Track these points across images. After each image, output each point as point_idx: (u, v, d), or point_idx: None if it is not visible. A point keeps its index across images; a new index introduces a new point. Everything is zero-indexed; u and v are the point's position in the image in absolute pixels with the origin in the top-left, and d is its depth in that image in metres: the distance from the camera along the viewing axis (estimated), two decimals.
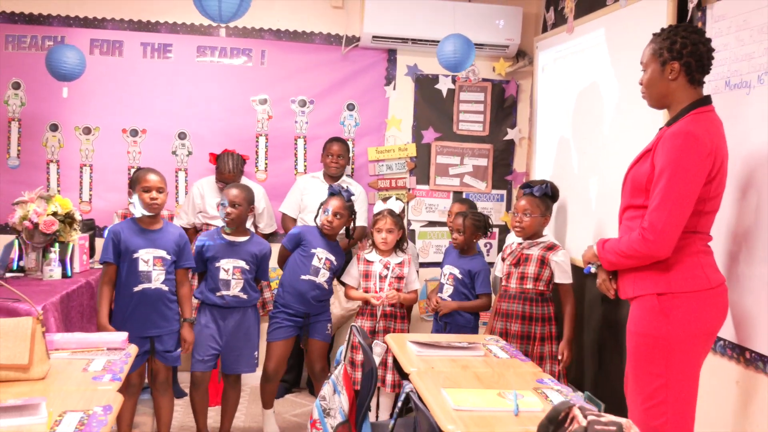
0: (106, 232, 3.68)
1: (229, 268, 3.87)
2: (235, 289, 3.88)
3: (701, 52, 2.56)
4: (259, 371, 4.23)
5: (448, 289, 4.16)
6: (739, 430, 2.87)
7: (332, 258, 4.13)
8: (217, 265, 3.87)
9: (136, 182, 3.65)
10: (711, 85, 3.05)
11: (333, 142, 4.92)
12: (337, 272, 4.24)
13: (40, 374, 2.45)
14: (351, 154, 5.21)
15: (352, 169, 5.24)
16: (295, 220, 4.90)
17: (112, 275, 3.63)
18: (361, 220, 4.94)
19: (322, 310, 4.18)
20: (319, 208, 4.18)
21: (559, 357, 3.67)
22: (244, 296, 3.91)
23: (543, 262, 3.68)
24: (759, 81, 2.80)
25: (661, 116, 3.24)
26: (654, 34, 2.69)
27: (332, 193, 4.16)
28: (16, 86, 4.95)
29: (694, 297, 2.54)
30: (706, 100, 2.63)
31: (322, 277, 4.10)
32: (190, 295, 3.89)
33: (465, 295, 4.14)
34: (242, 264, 3.88)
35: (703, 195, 2.53)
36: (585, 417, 1.45)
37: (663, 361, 2.55)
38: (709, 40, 2.63)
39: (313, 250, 4.10)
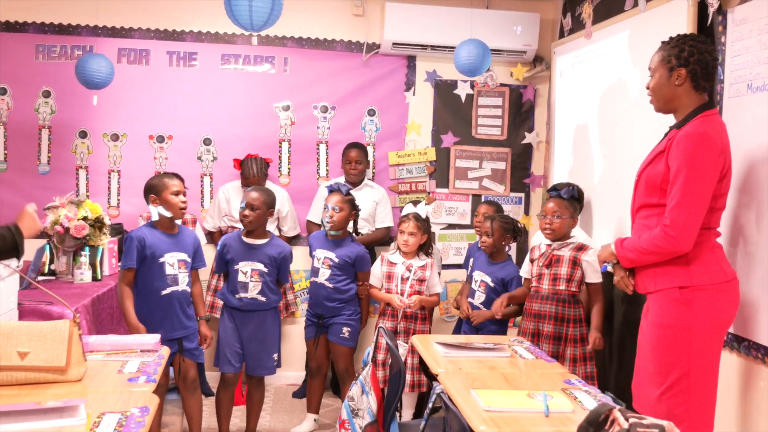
0: (127, 237, 3.65)
1: (247, 270, 3.85)
2: (253, 291, 3.85)
3: (707, 61, 2.67)
4: (280, 373, 4.23)
5: (479, 297, 4.08)
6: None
7: (331, 255, 4.10)
8: (235, 267, 3.86)
9: (161, 187, 3.61)
10: (732, 88, 3.02)
11: (351, 148, 4.91)
12: (350, 267, 4.14)
13: (77, 376, 2.43)
14: (372, 158, 5.20)
15: (373, 173, 5.23)
16: (320, 226, 4.85)
17: (131, 279, 3.60)
18: (386, 222, 4.97)
19: (336, 312, 4.12)
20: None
21: (590, 347, 3.61)
22: (263, 299, 3.88)
23: (575, 263, 3.65)
24: None
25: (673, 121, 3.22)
26: (663, 42, 2.80)
27: (331, 190, 4.16)
28: (47, 94, 4.97)
29: (713, 289, 2.63)
30: (711, 105, 2.76)
31: (323, 277, 4.09)
32: (202, 293, 3.92)
33: None
34: (260, 266, 3.86)
35: (714, 192, 2.62)
36: (626, 419, 1.42)
37: (685, 352, 2.62)
38: (715, 50, 2.77)
39: (313, 253, 4.16)
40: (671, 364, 2.64)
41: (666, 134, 2.80)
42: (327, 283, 4.10)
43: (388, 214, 4.99)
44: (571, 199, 3.76)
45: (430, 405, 2.45)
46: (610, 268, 2.92)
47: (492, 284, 4.06)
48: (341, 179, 4.94)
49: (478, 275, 4.12)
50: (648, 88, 2.81)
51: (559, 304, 3.66)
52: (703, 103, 2.70)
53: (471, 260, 4.33)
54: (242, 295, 3.85)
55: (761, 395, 2.84)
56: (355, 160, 4.84)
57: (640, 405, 2.77)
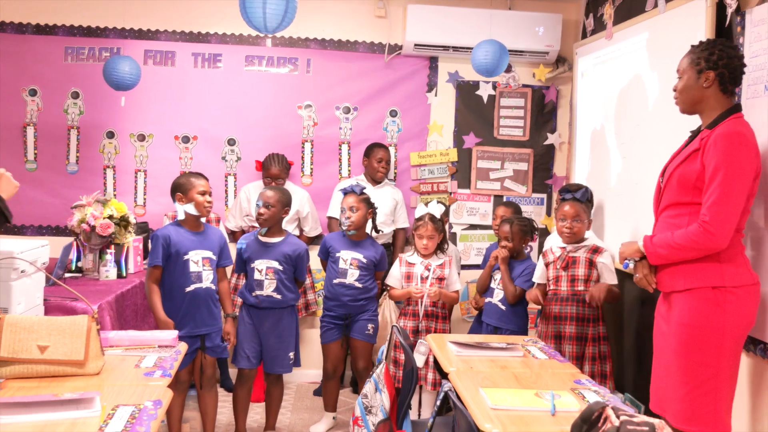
0: (152, 236, 3.72)
1: (262, 268, 3.90)
2: (269, 289, 3.90)
3: (735, 65, 2.72)
4: (301, 371, 4.28)
5: (498, 294, 4.11)
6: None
7: (359, 256, 4.16)
8: (252, 265, 3.91)
9: (188, 186, 3.69)
10: (750, 89, 3.00)
11: (379, 147, 4.97)
12: (375, 267, 4.23)
13: (94, 370, 2.50)
14: (394, 159, 5.24)
15: (395, 173, 5.26)
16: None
17: (158, 277, 3.67)
18: (401, 222, 5.02)
19: (361, 310, 4.19)
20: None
21: (587, 297, 3.63)
22: (278, 296, 3.91)
23: (591, 264, 3.66)
24: None
25: (695, 122, 3.20)
26: (692, 46, 2.82)
27: (345, 192, 4.21)
28: (75, 96, 5.07)
29: (744, 291, 2.66)
30: (739, 108, 2.78)
31: (352, 277, 4.14)
32: (230, 291, 3.97)
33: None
34: (275, 264, 3.90)
35: (748, 191, 2.65)
36: (618, 417, 1.44)
37: (715, 352, 2.63)
38: (743, 56, 2.79)
39: (337, 254, 4.19)
40: (700, 364, 2.64)
41: (695, 135, 2.82)
42: (357, 284, 4.15)
43: (404, 215, 5.06)
44: (587, 201, 3.77)
45: (437, 403, 2.48)
46: (632, 265, 2.91)
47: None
48: (360, 178, 4.99)
49: (498, 274, 4.14)
50: (675, 89, 2.84)
51: (579, 305, 3.67)
52: (731, 106, 2.74)
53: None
54: (258, 292, 3.90)
55: None
56: (386, 160, 4.91)
57: (659, 405, 2.77)
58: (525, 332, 4.11)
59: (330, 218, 5.04)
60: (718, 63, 2.70)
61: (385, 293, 4.49)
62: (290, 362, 4.02)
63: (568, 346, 3.63)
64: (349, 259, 4.16)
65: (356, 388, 4.85)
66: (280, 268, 3.91)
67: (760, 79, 2.93)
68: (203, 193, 3.69)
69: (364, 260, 4.16)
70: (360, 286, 4.16)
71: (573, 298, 3.70)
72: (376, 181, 4.94)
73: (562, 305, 3.73)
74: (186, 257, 3.67)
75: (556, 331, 3.72)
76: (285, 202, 3.96)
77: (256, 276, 3.90)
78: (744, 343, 2.73)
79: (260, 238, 3.97)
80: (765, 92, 2.91)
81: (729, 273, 2.65)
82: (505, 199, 5.24)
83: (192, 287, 3.69)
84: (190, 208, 3.70)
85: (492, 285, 4.18)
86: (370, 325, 4.20)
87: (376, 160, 4.92)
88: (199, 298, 3.71)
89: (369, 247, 4.23)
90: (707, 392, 2.64)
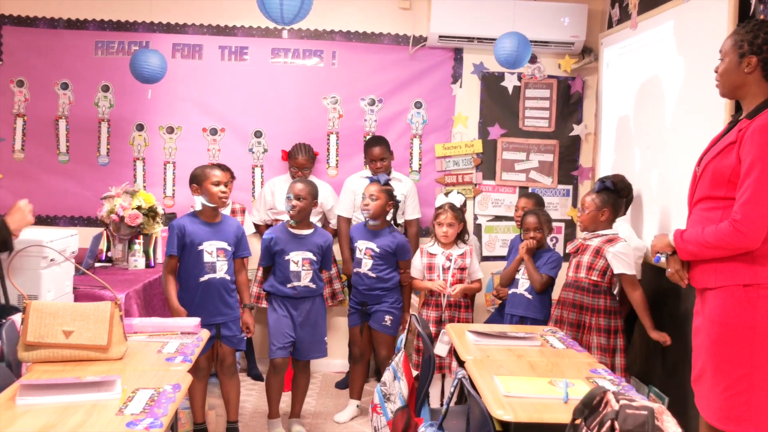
0: (169, 227, 3.77)
1: (298, 259, 3.94)
2: (306, 279, 3.95)
3: None
4: (327, 360, 4.34)
5: (524, 284, 4.10)
6: None
7: (372, 245, 4.19)
8: (286, 258, 3.94)
9: (202, 177, 3.73)
10: None
11: (373, 145, 4.81)
12: (391, 257, 4.22)
13: (117, 354, 2.56)
14: (419, 151, 5.25)
15: (420, 164, 5.27)
16: (349, 221, 4.86)
17: (174, 266, 3.73)
18: (413, 213, 4.98)
19: (377, 300, 4.22)
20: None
21: (665, 344, 3.59)
22: (314, 286, 3.98)
23: (598, 253, 3.63)
24: None
25: (720, 111, 3.17)
26: (738, 26, 2.67)
27: (371, 181, 4.27)
28: (105, 89, 5.16)
29: None
30: None
31: (365, 267, 4.20)
32: (248, 282, 4.01)
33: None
34: (310, 255, 3.96)
35: None
36: (618, 401, 1.45)
37: (747, 351, 2.54)
38: None
39: (354, 244, 4.27)
40: (733, 362, 2.57)
41: (733, 124, 2.69)
42: (370, 273, 4.19)
43: (416, 206, 4.99)
44: (604, 191, 3.72)
45: (451, 390, 2.50)
46: (663, 260, 2.84)
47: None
48: (368, 172, 4.86)
49: (522, 265, 4.14)
50: (716, 71, 2.70)
51: (578, 292, 3.66)
52: None
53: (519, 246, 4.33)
54: (296, 283, 3.93)
55: None
56: (379, 158, 4.76)
57: (701, 402, 2.70)
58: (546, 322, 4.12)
59: (341, 218, 4.94)
60: (762, 47, 2.54)
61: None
62: (325, 347, 4.10)
63: (567, 331, 3.61)
64: (363, 248, 4.22)
65: (379, 377, 4.88)
66: (314, 258, 3.97)
67: None
68: (217, 184, 3.72)
69: (377, 249, 4.18)
70: (373, 275, 4.19)
71: (574, 284, 3.70)
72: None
73: (566, 291, 3.75)
74: (200, 248, 3.72)
75: (559, 315, 3.75)
76: (315, 194, 4.01)
77: (293, 267, 3.94)
78: None
79: (291, 230, 4.00)
80: None
81: (761, 271, 2.55)
82: (530, 191, 5.23)
83: (206, 277, 3.74)
84: (204, 199, 3.75)
85: (517, 276, 4.18)
86: (387, 317, 4.21)
87: (370, 159, 4.83)
88: (212, 288, 3.76)
89: (386, 237, 4.22)
90: (741, 391, 2.55)
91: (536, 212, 4.18)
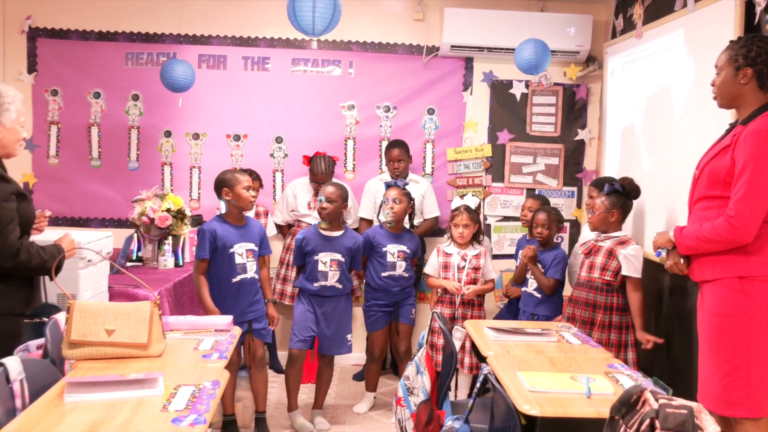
0: (199, 230, 3.71)
1: (326, 260, 3.92)
2: (332, 279, 3.93)
3: None
4: (345, 354, 4.31)
5: (532, 283, 4.08)
6: None
7: (404, 248, 4.17)
8: (315, 258, 3.92)
9: (234, 182, 3.67)
10: None
11: (392, 147, 4.84)
12: (413, 256, 4.24)
13: (157, 352, 2.52)
14: (431, 155, 5.21)
15: (432, 168, 5.24)
16: (371, 222, 4.82)
17: (205, 269, 3.68)
18: (433, 212, 4.95)
19: (406, 296, 4.24)
20: (381, 205, 4.26)
21: (643, 347, 3.55)
22: (339, 286, 3.95)
23: (611, 254, 3.59)
24: None
25: (726, 115, 3.12)
26: (731, 41, 2.73)
27: (388, 186, 4.24)
28: (135, 98, 5.14)
29: None
30: None
31: (400, 269, 4.17)
32: (269, 277, 4.01)
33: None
34: (338, 257, 3.93)
35: None
36: (657, 400, 1.41)
37: (744, 339, 2.58)
38: None
39: (384, 249, 4.18)
40: (730, 351, 2.61)
41: (729, 130, 2.74)
42: (404, 274, 4.20)
43: (434, 205, 4.97)
44: (612, 193, 3.68)
45: (478, 385, 2.46)
46: (664, 254, 2.90)
47: (543, 270, 4.06)
48: (386, 176, 4.87)
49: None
50: (713, 84, 2.77)
51: (591, 291, 3.62)
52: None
53: (520, 252, 4.30)
54: (322, 283, 3.92)
55: None
56: (397, 159, 4.78)
57: (703, 390, 2.72)
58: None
59: (363, 220, 4.93)
60: (756, 60, 2.61)
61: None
62: (348, 344, 4.07)
63: (581, 329, 3.57)
64: (395, 252, 4.17)
65: (396, 371, 4.85)
66: (343, 260, 3.94)
67: None
68: (248, 189, 3.70)
69: (408, 251, 4.19)
70: (407, 275, 4.21)
71: (587, 284, 3.65)
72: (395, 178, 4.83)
73: (579, 290, 3.70)
74: (231, 250, 3.68)
75: (571, 313, 3.71)
76: (345, 197, 3.99)
77: (320, 267, 3.91)
78: None
79: (322, 232, 3.97)
80: None
81: (755, 263, 2.60)
82: (537, 192, 5.18)
83: (238, 278, 3.71)
84: (235, 203, 3.69)
85: (526, 275, 4.14)
86: (413, 310, 4.28)
87: (389, 160, 4.84)
88: (244, 287, 3.73)
89: (409, 238, 4.26)
90: (739, 378, 2.59)
91: (548, 210, 4.20)
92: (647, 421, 1.38)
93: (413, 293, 4.31)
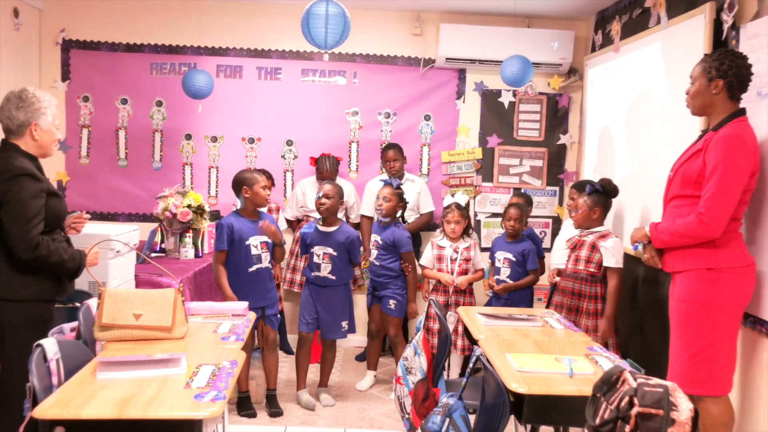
0: (217, 225, 3.69)
1: (320, 253, 3.92)
2: (325, 271, 3.91)
3: (743, 75, 2.64)
4: (349, 337, 4.32)
5: (505, 271, 4.12)
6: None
7: (377, 237, 4.15)
8: (312, 251, 3.94)
9: (252, 181, 3.66)
10: (744, 95, 2.91)
11: (388, 148, 4.83)
12: (392, 247, 4.11)
13: (180, 334, 2.53)
14: (427, 157, 5.20)
15: (428, 168, 5.23)
16: (371, 218, 4.81)
17: (224, 260, 3.66)
18: (428, 207, 4.95)
19: (384, 287, 4.15)
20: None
21: (599, 334, 3.56)
22: (332, 277, 3.92)
23: (594, 248, 3.59)
24: None
25: (694, 122, 3.13)
26: (705, 55, 2.77)
27: (384, 183, 4.20)
28: (159, 104, 5.12)
29: (736, 272, 2.62)
30: (743, 112, 2.70)
31: (373, 256, 4.18)
32: (282, 257, 3.96)
33: (520, 273, 4.13)
34: (330, 250, 3.91)
35: (744, 187, 2.59)
36: (635, 380, 1.41)
37: (710, 324, 2.61)
38: (750, 65, 2.67)
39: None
40: (697, 335, 2.62)
41: (701, 136, 2.76)
42: (375, 262, 4.16)
43: (429, 201, 4.96)
44: (593, 193, 3.68)
45: (470, 365, 2.46)
46: (641, 248, 2.91)
47: (514, 258, 4.12)
48: (384, 176, 4.85)
49: (501, 254, 4.17)
50: (687, 93, 2.77)
51: (576, 281, 3.62)
52: (737, 110, 2.66)
53: (491, 283, 4.30)
54: (317, 273, 3.92)
55: (764, 364, 2.76)
56: (392, 159, 4.76)
57: (671, 371, 2.74)
58: (529, 302, 4.18)
59: (363, 217, 4.93)
60: (727, 72, 2.62)
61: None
62: (343, 330, 4.02)
63: (567, 316, 3.58)
64: (372, 240, 4.20)
65: (392, 352, 4.85)
66: (335, 253, 3.91)
67: (754, 85, 2.84)
68: (264, 188, 3.70)
69: (381, 241, 4.12)
70: (377, 263, 4.15)
71: (573, 275, 3.66)
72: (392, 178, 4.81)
73: (566, 281, 3.71)
74: (247, 243, 3.67)
75: (559, 301, 3.72)
76: (341, 194, 3.98)
77: (315, 260, 3.92)
78: (741, 318, 2.68)
79: (319, 227, 3.97)
80: (758, 97, 2.83)
81: (723, 256, 2.61)
82: (523, 191, 5.19)
83: (254, 267, 3.70)
84: (253, 200, 3.68)
85: (497, 265, 4.18)
86: (391, 302, 4.13)
87: (385, 160, 4.83)
88: (260, 276, 3.72)
89: (388, 230, 4.13)
90: (704, 360, 2.61)
91: (519, 206, 4.22)
92: (626, 399, 1.38)
93: (394, 286, 4.14)
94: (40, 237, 2.54)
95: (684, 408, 1.33)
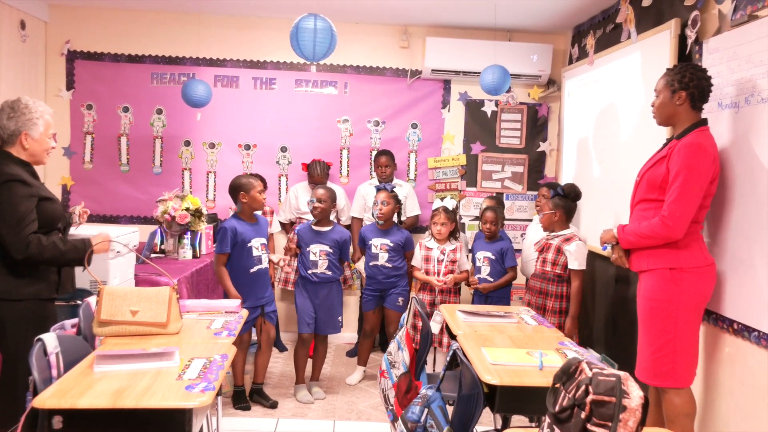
0: (220, 228, 3.71)
1: (317, 251, 3.95)
2: (322, 267, 3.95)
3: (704, 86, 2.68)
4: (340, 334, 4.35)
5: (485, 270, 4.17)
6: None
7: (387, 241, 4.18)
8: (308, 249, 3.96)
9: (250, 187, 3.69)
10: (706, 106, 2.96)
11: (380, 155, 4.90)
12: (404, 249, 4.22)
13: (174, 330, 2.55)
14: (414, 163, 5.25)
15: (415, 174, 5.27)
16: (361, 221, 4.91)
17: (226, 261, 3.68)
18: (414, 210, 5.02)
19: (392, 286, 4.21)
20: (373, 206, 4.28)
21: (566, 332, 3.61)
22: (330, 273, 3.97)
23: (559, 251, 3.65)
24: (746, 102, 2.71)
25: (661, 131, 3.18)
26: (668, 69, 2.79)
27: (378, 189, 4.26)
28: (159, 112, 5.15)
29: (696, 271, 2.65)
30: (705, 122, 2.74)
31: (382, 260, 4.18)
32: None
33: (500, 271, 4.17)
34: (326, 248, 3.95)
35: (704, 192, 2.63)
36: (591, 370, 1.45)
37: (672, 321, 2.64)
38: (710, 77, 2.71)
39: (370, 242, 4.23)
40: (660, 331, 2.66)
41: (666, 144, 2.79)
42: (387, 264, 4.19)
43: (416, 205, 5.06)
44: (556, 197, 3.74)
45: (447, 359, 2.49)
46: (609, 249, 2.94)
47: (493, 257, 4.16)
48: (375, 181, 4.92)
49: (481, 254, 4.22)
50: (653, 105, 2.82)
51: (544, 282, 3.69)
52: (699, 120, 2.70)
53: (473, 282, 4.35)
54: (314, 270, 3.94)
55: (725, 358, 2.81)
56: (385, 165, 4.84)
57: (638, 364, 2.78)
58: (507, 299, 4.22)
59: (354, 218, 4.99)
60: (689, 84, 2.66)
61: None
62: (339, 324, 4.09)
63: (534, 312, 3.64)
64: (379, 245, 4.20)
65: (384, 349, 4.88)
66: (331, 251, 3.96)
67: (715, 96, 2.90)
68: (261, 192, 3.74)
69: (391, 244, 4.19)
70: (389, 266, 4.19)
71: (541, 276, 3.73)
72: (382, 182, 4.84)
73: (534, 280, 3.79)
74: (249, 244, 3.70)
75: (529, 299, 3.78)
76: (334, 198, 4.03)
77: (312, 258, 3.94)
78: (702, 314, 2.72)
79: (313, 227, 4.00)
80: (718, 108, 2.89)
81: (684, 256, 2.65)
82: (505, 197, 5.25)
83: (255, 268, 3.73)
84: (250, 204, 3.72)
85: (478, 264, 4.23)
86: (400, 298, 4.23)
87: (377, 165, 4.88)
88: (260, 276, 3.76)
89: (395, 233, 4.23)
90: (666, 354, 2.65)
91: (495, 209, 4.27)
92: (582, 387, 1.42)
93: (402, 283, 4.24)
94: (31, 236, 2.54)
95: (635, 395, 1.37)
